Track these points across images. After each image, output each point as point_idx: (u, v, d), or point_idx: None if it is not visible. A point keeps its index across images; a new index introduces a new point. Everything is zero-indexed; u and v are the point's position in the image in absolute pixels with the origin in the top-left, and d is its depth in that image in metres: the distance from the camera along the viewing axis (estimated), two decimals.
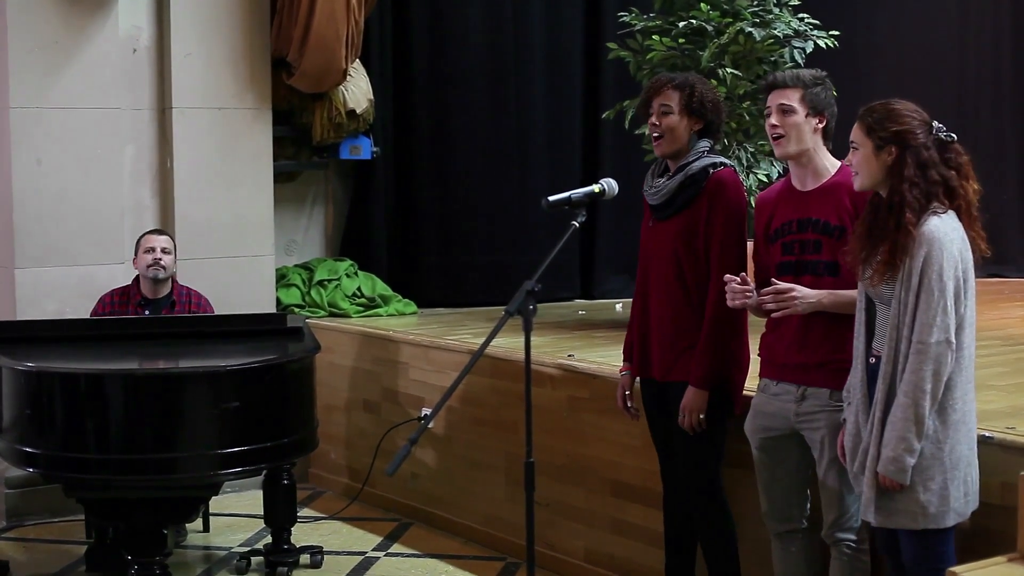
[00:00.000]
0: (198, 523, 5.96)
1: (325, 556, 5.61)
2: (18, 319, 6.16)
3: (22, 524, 6.21)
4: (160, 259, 5.77)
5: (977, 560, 3.38)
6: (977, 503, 3.53)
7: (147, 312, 5.79)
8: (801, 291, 3.83)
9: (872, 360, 3.58)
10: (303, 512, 6.20)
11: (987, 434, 3.74)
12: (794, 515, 4.10)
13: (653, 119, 4.32)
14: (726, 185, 4.26)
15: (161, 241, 5.84)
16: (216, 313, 5.94)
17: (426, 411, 6.11)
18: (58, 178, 6.39)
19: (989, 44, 9.90)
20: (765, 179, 6.32)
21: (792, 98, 3.94)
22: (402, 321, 7.15)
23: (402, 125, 7.91)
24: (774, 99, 3.98)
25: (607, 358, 5.30)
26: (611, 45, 6.93)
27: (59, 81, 6.38)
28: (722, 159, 4.34)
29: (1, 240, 6.41)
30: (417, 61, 7.92)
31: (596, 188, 4.05)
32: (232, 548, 5.84)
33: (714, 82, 6.13)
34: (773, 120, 3.97)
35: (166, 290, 5.85)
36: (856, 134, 3.59)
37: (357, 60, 7.33)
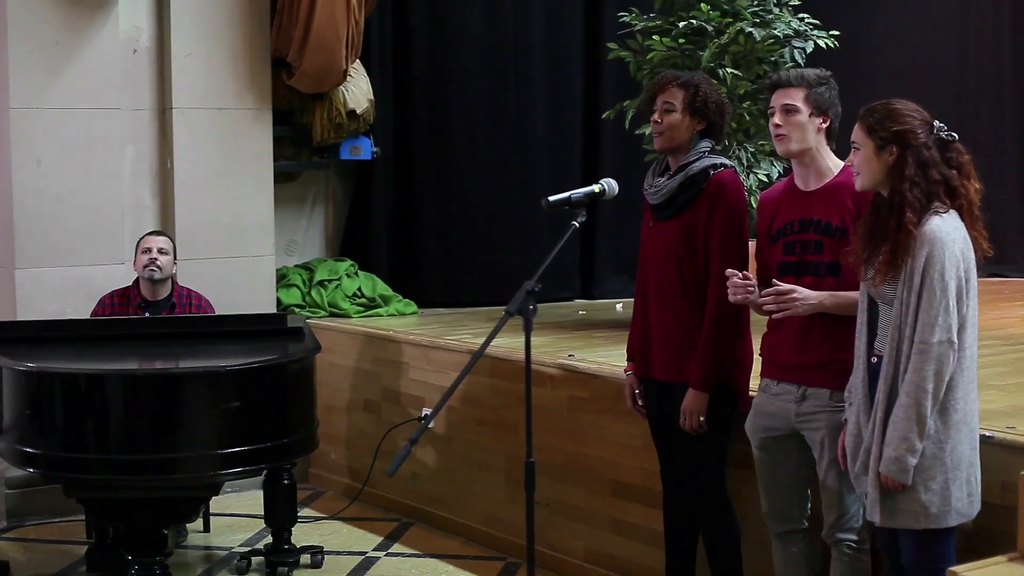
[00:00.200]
0: (198, 523, 5.96)
1: (325, 556, 5.61)
2: (18, 319, 6.16)
3: (22, 524, 6.21)
4: (156, 259, 5.75)
5: (977, 560, 3.38)
6: (980, 504, 3.53)
7: (147, 314, 5.78)
8: (802, 292, 3.83)
9: (874, 360, 3.58)
10: (303, 512, 6.20)
11: (987, 433, 3.74)
12: (794, 515, 4.10)
13: (655, 116, 4.32)
14: (726, 186, 4.25)
15: (158, 242, 5.83)
16: (216, 313, 5.94)
17: (426, 411, 6.11)
18: (58, 178, 6.39)
19: (989, 44, 9.89)
20: (765, 179, 6.32)
21: (796, 98, 3.94)
22: (402, 321, 7.15)
23: (402, 125, 7.91)
24: (778, 99, 3.98)
25: (607, 358, 5.30)
26: (611, 45, 6.93)
27: (59, 81, 6.38)
28: (723, 160, 4.33)
29: (1, 240, 6.41)
30: (417, 61, 7.92)
31: (596, 188, 4.05)
32: (232, 548, 5.84)
33: (714, 82, 6.13)
34: (776, 120, 3.97)
35: (166, 291, 5.84)
36: (857, 134, 3.59)
37: (357, 60, 7.33)
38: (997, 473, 3.65)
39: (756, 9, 6.60)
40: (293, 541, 5.52)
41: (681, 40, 6.54)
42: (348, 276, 7.45)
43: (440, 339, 6.23)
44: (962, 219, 3.49)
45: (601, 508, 5.22)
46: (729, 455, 4.40)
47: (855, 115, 3.65)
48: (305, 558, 5.53)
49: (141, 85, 6.78)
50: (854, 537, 3.92)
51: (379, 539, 6.01)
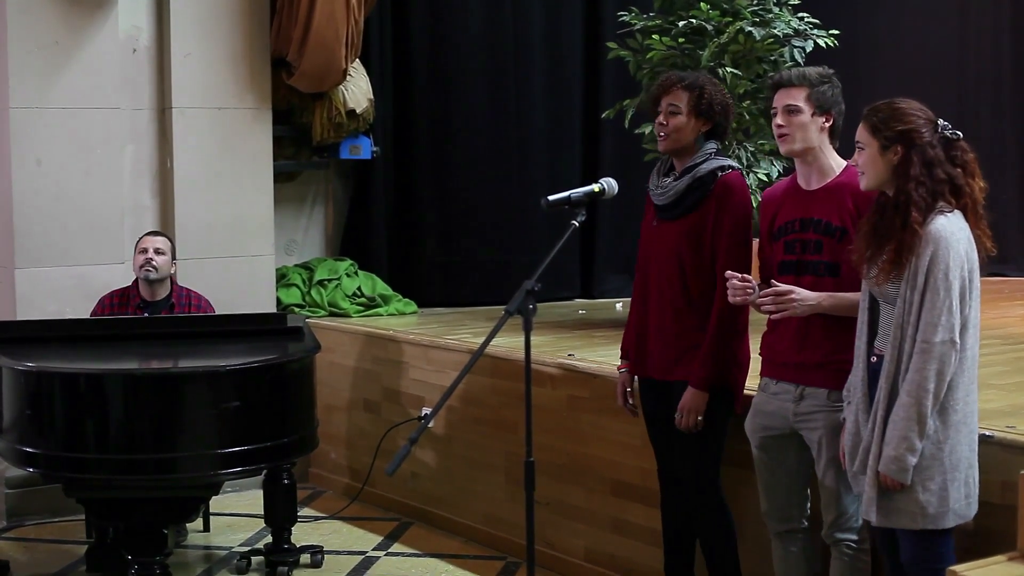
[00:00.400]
0: (198, 523, 5.96)
1: (325, 556, 5.61)
2: (18, 319, 6.16)
3: (22, 524, 6.21)
4: (152, 259, 5.74)
5: (977, 559, 3.37)
6: (977, 505, 3.53)
7: (146, 314, 5.78)
8: (800, 293, 3.82)
9: (874, 359, 3.58)
10: (303, 512, 6.20)
11: (987, 433, 3.74)
12: (794, 515, 4.10)
13: (660, 118, 4.31)
14: (734, 189, 4.27)
15: (155, 242, 5.82)
16: (216, 313, 5.94)
17: (426, 410, 6.11)
18: (58, 178, 6.39)
19: (989, 44, 9.89)
20: (765, 178, 6.32)
21: (798, 97, 3.93)
22: (402, 321, 7.15)
23: (402, 125, 7.91)
24: (780, 99, 3.97)
25: (607, 358, 5.30)
26: (611, 45, 6.92)
27: (59, 81, 6.38)
28: (730, 162, 4.35)
29: (1, 240, 6.41)
30: (417, 61, 7.91)
31: (596, 187, 4.05)
32: (232, 548, 5.84)
33: (718, 83, 6.13)
34: (779, 120, 3.96)
35: (164, 291, 5.83)
36: (861, 134, 3.58)
37: (357, 60, 7.33)
38: (997, 472, 3.65)
39: (756, 8, 6.59)
40: (293, 541, 5.52)
41: (681, 39, 6.53)
42: (348, 276, 7.45)
43: (440, 338, 6.23)
44: (966, 218, 3.49)
45: (601, 508, 5.22)
46: (728, 454, 4.40)
47: (855, 115, 3.64)
48: (305, 558, 5.53)
49: (141, 85, 6.78)
50: (854, 537, 3.92)
51: (379, 539, 6.01)
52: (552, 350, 5.67)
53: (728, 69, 6.30)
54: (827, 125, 3.96)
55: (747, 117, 6.48)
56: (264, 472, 5.46)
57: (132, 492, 4.72)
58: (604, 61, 7.64)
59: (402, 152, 7.91)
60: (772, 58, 6.51)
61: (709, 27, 6.47)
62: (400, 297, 7.46)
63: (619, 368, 4.61)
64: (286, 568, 5.40)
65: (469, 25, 8.02)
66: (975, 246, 3.49)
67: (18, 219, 6.31)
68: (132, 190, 6.74)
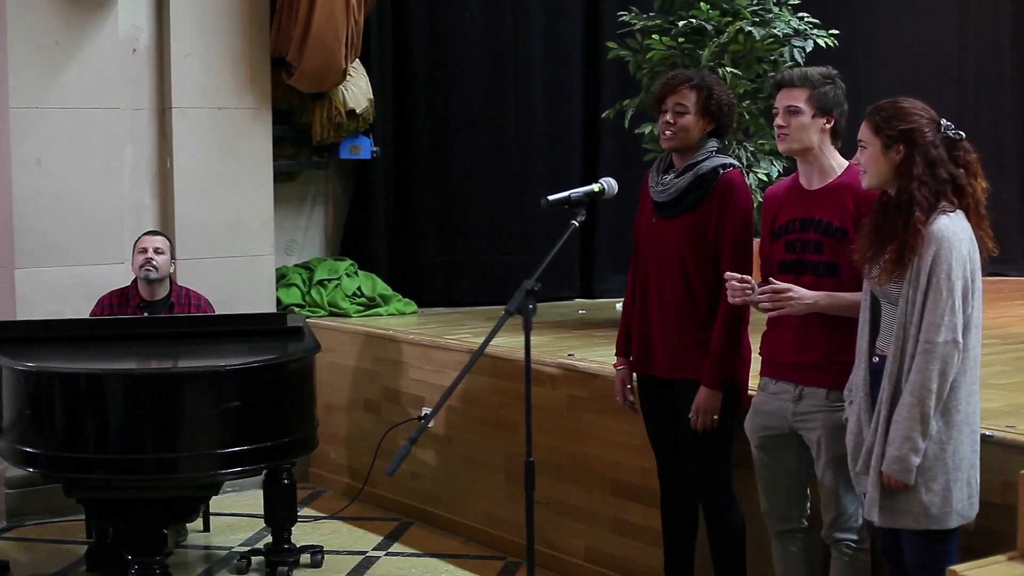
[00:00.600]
0: (198, 523, 5.96)
1: (325, 556, 5.61)
2: (18, 319, 6.16)
3: (22, 524, 6.21)
4: (152, 259, 5.75)
5: (977, 559, 3.37)
6: (978, 506, 3.53)
7: (146, 314, 5.78)
8: (798, 292, 3.82)
9: (876, 359, 3.58)
10: (303, 512, 6.20)
11: (987, 433, 3.74)
12: (794, 514, 4.09)
13: (667, 117, 4.31)
14: (736, 187, 4.28)
15: (155, 242, 5.83)
16: (216, 313, 5.94)
17: (426, 410, 6.11)
18: (58, 178, 6.39)
19: (989, 44, 9.90)
20: (765, 178, 6.32)
21: (799, 98, 3.93)
22: (402, 320, 7.15)
23: (402, 124, 7.91)
24: (781, 99, 3.97)
25: (607, 357, 5.28)
26: (611, 44, 6.92)
27: (59, 81, 6.38)
28: (731, 160, 4.36)
29: (1, 240, 6.41)
30: (417, 61, 7.91)
31: (596, 187, 4.05)
32: (232, 548, 5.84)
33: (722, 82, 6.13)
34: (779, 120, 3.96)
35: (164, 291, 5.84)
36: (864, 133, 3.58)
37: (357, 60, 7.33)
38: (997, 472, 3.65)
39: (756, 8, 6.60)
40: (293, 541, 5.52)
41: (681, 39, 6.53)
42: (348, 275, 7.45)
43: (440, 338, 6.23)
44: (968, 218, 3.49)
45: (601, 507, 5.22)
46: (730, 453, 4.41)
47: (854, 115, 3.64)
48: (305, 558, 5.53)
49: (141, 85, 6.78)
50: (853, 537, 3.92)
51: (379, 539, 6.01)
52: (552, 350, 5.67)
53: (728, 69, 6.30)
54: (828, 126, 3.95)
55: (747, 117, 6.48)
56: (264, 472, 5.46)
57: (132, 492, 4.72)
58: (604, 61, 7.64)
59: (402, 152, 7.91)
60: (772, 58, 6.52)
61: (709, 27, 6.47)
62: (400, 297, 7.46)
63: (616, 366, 4.61)
64: (286, 568, 5.40)
65: (469, 25, 8.02)
66: (977, 246, 3.48)
67: (18, 219, 6.31)
68: (132, 190, 6.74)
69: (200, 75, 6.83)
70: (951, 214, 3.46)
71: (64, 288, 6.37)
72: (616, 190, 4.10)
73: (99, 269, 6.42)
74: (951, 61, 9.87)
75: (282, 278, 7.35)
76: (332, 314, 7.18)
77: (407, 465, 6.05)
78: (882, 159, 3.54)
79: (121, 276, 6.23)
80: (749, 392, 4.31)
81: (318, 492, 6.85)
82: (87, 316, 5.93)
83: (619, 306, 7.59)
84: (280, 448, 4.89)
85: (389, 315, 7.26)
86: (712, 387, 4.23)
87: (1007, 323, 6.67)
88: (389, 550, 5.84)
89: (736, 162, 4.40)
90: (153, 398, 4.65)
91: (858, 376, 3.63)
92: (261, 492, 5.62)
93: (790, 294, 3.81)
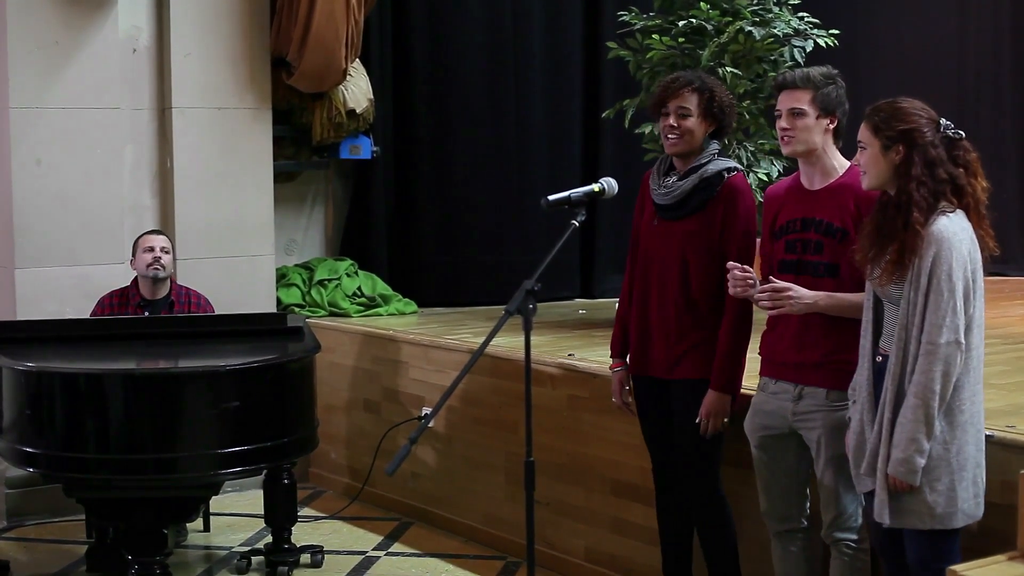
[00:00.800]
0: (198, 523, 5.96)
1: (325, 555, 5.61)
2: (18, 319, 6.16)
3: (22, 524, 6.21)
4: (160, 258, 5.78)
5: (977, 559, 3.37)
6: (984, 505, 3.53)
7: (146, 313, 5.79)
8: (797, 291, 3.82)
9: (878, 359, 3.58)
10: (303, 512, 6.20)
11: (987, 432, 3.73)
12: (793, 514, 4.09)
13: (671, 120, 4.31)
14: (741, 192, 4.30)
15: (160, 241, 5.85)
16: (216, 313, 5.94)
17: (426, 410, 6.11)
18: (58, 178, 6.39)
19: (989, 43, 9.90)
20: (765, 178, 6.31)
21: (802, 100, 3.92)
22: (402, 320, 7.15)
23: (402, 124, 7.91)
24: (784, 101, 3.95)
25: (607, 357, 5.27)
26: (611, 44, 6.92)
27: (59, 81, 6.38)
28: (735, 164, 4.37)
29: (1, 240, 6.41)
30: (417, 60, 7.91)
31: (596, 187, 4.05)
32: (232, 548, 5.84)
33: (720, 82, 6.12)
34: (783, 123, 3.95)
35: (165, 290, 5.85)
36: (863, 133, 3.57)
37: (357, 60, 7.33)
38: (997, 472, 3.64)
39: (756, 8, 6.59)
40: (293, 540, 5.52)
41: (681, 39, 6.53)
42: (348, 275, 7.45)
43: (440, 338, 6.23)
44: (969, 218, 3.49)
45: (601, 507, 5.22)
46: (728, 454, 4.41)
47: (855, 115, 3.63)
48: (305, 557, 5.53)
49: (141, 84, 6.78)
50: (853, 536, 3.92)
51: (379, 538, 6.01)
52: (552, 350, 5.67)
53: (728, 69, 6.30)
54: (831, 127, 3.95)
55: (747, 117, 6.48)
56: (264, 472, 5.46)
57: (132, 492, 4.72)
58: (604, 61, 7.63)
59: (402, 152, 7.91)
60: (772, 58, 6.51)
61: (709, 27, 6.47)
62: (400, 297, 7.46)
63: (612, 367, 4.61)
64: (286, 568, 5.40)
65: (469, 25, 8.01)
66: (978, 246, 3.48)
67: (18, 219, 6.31)
68: (132, 190, 6.74)
69: (200, 75, 6.83)
70: (951, 214, 3.46)
71: (64, 288, 6.37)
72: (616, 190, 4.11)
73: (99, 269, 6.42)
74: (951, 61, 9.87)
75: (282, 278, 7.35)
76: (332, 314, 7.18)
77: (407, 465, 6.05)
78: (881, 160, 3.53)
79: (121, 276, 6.23)
80: (743, 392, 4.30)
81: (318, 492, 6.86)
82: (87, 316, 5.93)
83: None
84: (280, 448, 4.89)
85: (389, 315, 7.27)
86: (721, 390, 4.24)
87: (1007, 323, 6.67)
88: (389, 550, 5.84)
89: (739, 166, 4.41)
90: (153, 398, 4.65)
91: (862, 376, 3.63)
92: (261, 492, 5.62)
93: (790, 293, 3.81)
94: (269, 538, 5.59)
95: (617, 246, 8.22)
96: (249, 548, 5.73)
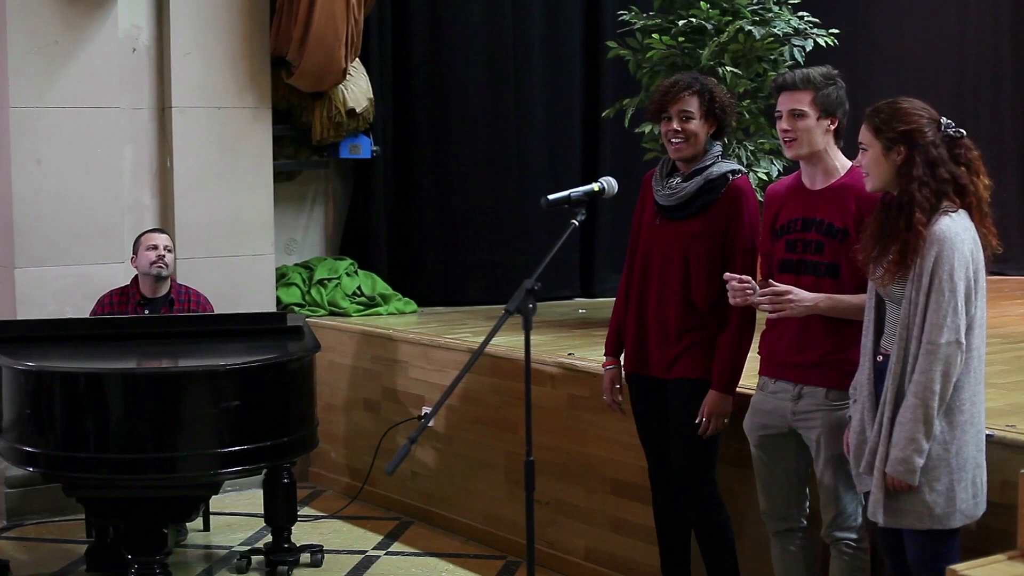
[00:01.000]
0: (198, 522, 5.96)
1: (325, 555, 5.61)
2: (18, 318, 6.16)
3: (22, 523, 6.21)
4: (163, 256, 5.80)
5: (977, 558, 3.37)
6: (985, 505, 3.53)
7: (146, 311, 5.79)
8: (798, 294, 3.82)
9: (879, 358, 3.58)
10: (303, 511, 6.20)
11: (987, 432, 3.73)
12: (792, 514, 4.09)
13: (674, 124, 4.31)
14: (747, 194, 4.32)
15: (163, 239, 5.87)
16: (216, 312, 5.94)
17: (426, 410, 6.11)
18: (58, 178, 6.38)
19: (989, 43, 9.90)
20: (765, 177, 6.32)
21: (803, 101, 3.90)
22: (402, 320, 7.15)
23: (402, 124, 7.91)
24: (785, 103, 3.94)
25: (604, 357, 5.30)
26: (611, 44, 6.92)
27: (59, 81, 6.38)
28: (738, 166, 4.39)
29: (1, 239, 6.41)
30: (417, 60, 7.91)
31: (595, 187, 4.06)
32: (232, 547, 5.84)
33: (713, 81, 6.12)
34: (784, 125, 3.94)
35: (165, 289, 5.86)
36: (864, 135, 3.57)
37: (357, 59, 7.33)
38: (997, 471, 3.64)
39: (756, 7, 6.59)
40: (293, 540, 5.52)
41: (681, 38, 6.53)
42: (348, 275, 7.44)
43: (440, 338, 6.22)
44: (971, 217, 3.49)
45: (601, 507, 5.22)
46: (727, 454, 4.41)
47: (855, 114, 3.63)
48: (305, 557, 5.53)
49: (140, 84, 6.78)
50: (853, 536, 3.92)
51: (379, 538, 6.01)
52: (552, 349, 5.67)
53: (728, 68, 6.30)
54: (832, 127, 3.93)
55: (747, 116, 6.48)
56: (264, 471, 5.46)
57: (132, 491, 4.72)
58: (604, 60, 7.63)
59: (402, 151, 7.90)
60: (772, 57, 6.52)
61: (709, 26, 6.47)
62: (400, 296, 7.46)
63: (605, 365, 4.61)
64: (286, 567, 5.40)
65: (469, 24, 8.01)
66: (980, 245, 3.48)
67: (18, 218, 6.31)
68: (132, 189, 6.74)
69: (200, 74, 6.83)
70: (953, 214, 3.46)
71: (64, 287, 6.37)
72: (616, 189, 4.11)
73: (99, 269, 6.42)
74: (951, 60, 9.87)
75: (282, 277, 7.35)
76: (332, 313, 7.18)
77: (407, 464, 6.06)
78: (883, 161, 3.53)
79: (121, 275, 6.23)
80: (744, 393, 4.30)
81: (318, 491, 6.86)
82: (87, 315, 5.93)
83: None
84: (280, 447, 4.89)
85: (389, 314, 7.26)
86: (723, 391, 4.25)
87: (1007, 322, 6.67)
88: (389, 549, 5.84)
89: (743, 168, 4.42)
90: (153, 397, 4.65)
91: (862, 375, 3.63)
92: (261, 491, 5.62)
93: (790, 297, 3.81)
94: (269, 537, 5.59)
95: (617, 246, 8.22)
96: (249, 547, 5.73)
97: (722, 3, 6.56)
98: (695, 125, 4.30)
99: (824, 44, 6.57)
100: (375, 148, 7.63)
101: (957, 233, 3.42)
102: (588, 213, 3.99)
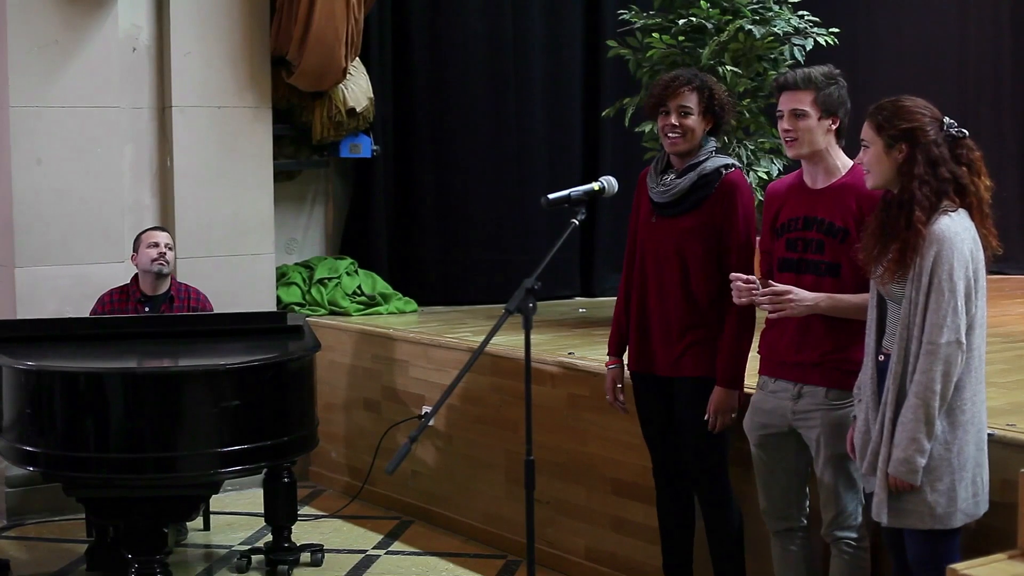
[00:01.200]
0: (198, 521, 5.97)
1: (326, 554, 5.61)
2: (18, 318, 6.16)
3: (23, 523, 6.21)
4: (164, 254, 5.82)
5: (977, 557, 3.37)
6: (987, 504, 3.53)
7: (147, 308, 5.80)
8: (798, 294, 3.82)
9: (881, 358, 3.58)
10: (304, 510, 6.20)
11: (988, 431, 3.73)
12: (793, 513, 4.09)
13: (672, 120, 4.31)
14: (740, 188, 4.31)
15: (164, 237, 5.89)
16: (216, 311, 5.95)
17: (426, 409, 6.11)
18: (58, 177, 6.38)
19: (989, 42, 9.90)
20: (765, 176, 6.32)
21: (804, 101, 3.90)
22: (402, 319, 7.15)
23: (402, 123, 7.91)
24: (786, 103, 3.94)
25: (606, 356, 5.29)
26: (611, 43, 6.92)
27: (59, 80, 6.37)
28: (732, 160, 4.38)
29: (1, 239, 6.41)
30: (417, 59, 7.91)
31: (596, 186, 4.06)
32: (233, 546, 5.84)
33: (713, 78, 6.12)
34: (785, 125, 3.94)
35: (165, 286, 5.87)
36: (866, 132, 3.57)
37: (357, 58, 7.33)
38: (997, 471, 3.64)
39: (756, 6, 6.59)
40: (293, 539, 5.53)
41: (681, 38, 6.53)
42: (348, 274, 7.45)
43: (440, 337, 6.22)
44: (972, 217, 3.48)
45: (601, 506, 5.22)
46: (728, 450, 4.41)
47: (855, 114, 3.63)
48: (305, 556, 5.53)
49: (141, 83, 6.78)
50: (853, 535, 3.92)
51: (379, 537, 6.01)
52: (552, 348, 5.67)
53: (728, 67, 6.30)
54: (834, 127, 3.93)
55: (747, 115, 6.48)
56: (264, 471, 5.46)
57: (132, 491, 4.72)
58: (604, 60, 7.63)
59: (402, 151, 7.90)
60: (772, 56, 6.52)
61: (709, 25, 6.47)
62: (400, 296, 7.46)
63: (608, 365, 4.61)
64: (286, 567, 5.40)
65: (469, 24, 8.01)
66: (980, 245, 3.48)
67: (18, 218, 6.31)
68: (132, 189, 6.74)
69: (200, 74, 6.83)
70: (953, 214, 3.46)
71: (64, 287, 6.37)
72: (616, 189, 4.11)
73: (99, 268, 6.42)
74: (951, 59, 9.87)
75: (282, 277, 7.35)
76: (332, 313, 7.18)
77: (407, 464, 6.06)
78: (885, 159, 3.53)
79: (121, 275, 6.23)
80: (746, 390, 4.31)
81: (318, 491, 6.86)
82: (88, 315, 5.93)
83: None
84: (280, 447, 4.89)
85: (389, 314, 7.26)
86: (728, 386, 4.25)
87: (1007, 321, 6.67)
88: (389, 549, 5.84)
89: (737, 162, 4.41)
90: (153, 397, 4.65)
91: (866, 374, 3.63)
92: (261, 491, 5.62)
93: (791, 296, 3.81)
94: (269, 537, 5.59)
95: (617, 245, 8.20)
96: (249, 547, 5.73)
97: (722, 2, 6.56)
98: (693, 121, 4.31)
99: (824, 43, 6.56)
100: (375, 147, 7.63)
101: (956, 232, 3.42)
102: (588, 213, 3.98)
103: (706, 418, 4.26)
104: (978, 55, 9.90)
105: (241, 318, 5.74)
